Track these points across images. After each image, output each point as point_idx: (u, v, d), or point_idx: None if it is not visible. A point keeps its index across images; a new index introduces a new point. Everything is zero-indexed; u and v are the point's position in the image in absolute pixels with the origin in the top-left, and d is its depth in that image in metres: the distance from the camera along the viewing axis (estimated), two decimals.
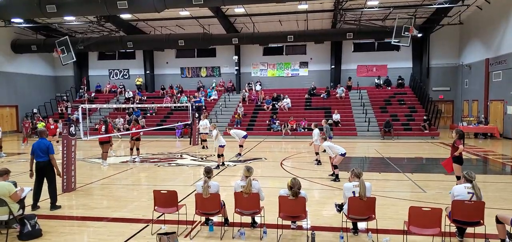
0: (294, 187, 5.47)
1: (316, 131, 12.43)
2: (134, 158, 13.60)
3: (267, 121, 23.67)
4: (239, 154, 14.14)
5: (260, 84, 28.03)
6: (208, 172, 6.06)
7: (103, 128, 12.86)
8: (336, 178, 9.71)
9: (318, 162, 12.26)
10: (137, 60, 29.74)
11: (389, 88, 26.26)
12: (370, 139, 20.70)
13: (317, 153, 12.46)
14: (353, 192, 5.52)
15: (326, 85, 26.28)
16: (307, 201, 5.54)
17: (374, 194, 7.14)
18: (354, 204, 5.43)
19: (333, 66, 26.81)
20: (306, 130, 21.73)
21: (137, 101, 27.50)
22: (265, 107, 25.18)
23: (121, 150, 17.61)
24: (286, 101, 24.95)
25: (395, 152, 16.89)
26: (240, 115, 23.85)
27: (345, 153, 9.47)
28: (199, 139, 18.46)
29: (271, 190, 8.75)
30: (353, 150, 17.55)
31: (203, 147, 16.89)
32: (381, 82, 26.42)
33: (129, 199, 8.32)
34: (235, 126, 22.56)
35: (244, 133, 14.26)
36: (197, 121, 18.59)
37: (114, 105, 13.11)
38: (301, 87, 27.79)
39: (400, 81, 26.19)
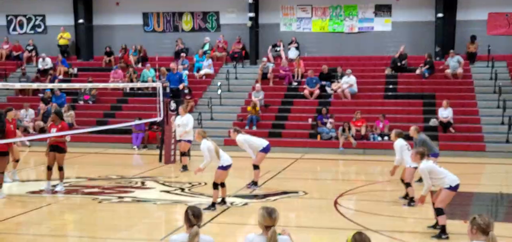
0: None
1: (399, 143, 12.51)
2: (55, 186, 13.94)
3: (310, 120, 23.76)
4: (255, 183, 14.32)
5: (297, 48, 28.15)
6: (195, 217, 6.18)
7: None
8: (440, 232, 9.74)
9: (411, 200, 12.32)
10: None
11: None
12: (510, 157, 20.64)
13: (407, 184, 12.51)
14: None
15: (427, 52, 26.20)
16: None
17: None
18: None
19: (440, 15, 26.75)
20: (386, 138, 21.73)
21: (60, 76, 28.10)
22: (306, 92, 25.31)
23: (29, 170, 17.94)
24: (348, 82, 25.01)
25: None
26: (258, 108, 24.05)
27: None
28: (176, 151, 18.75)
29: None
30: (474, 178, 17.58)
31: (184, 168, 17.17)
32: None
33: None
34: (246, 128, 22.75)
35: (266, 143, 14.45)
36: (172, 117, 18.83)
37: (17, 85, 13.58)
38: (377, 55, 27.77)
39: None
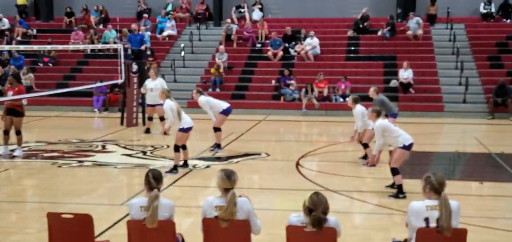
0: (316, 209, 5.59)
1: (359, 109, 12.64)
2: (13, 150, 13.73)
3: (274, 81, 23.83)
4: (218, 146, 14.35)
5: (261, 9, 28.02)
6: (155, 180, 6.16)
7: None
8: (397, 191, 9.96)
9: (367, 161, 12.55)
10: None
11: (508, 21, 26.50)
12: (467, 116, 21.18)
13: (365, 145, 12.71)
14: (427, 219, 5.66)
15: (389, 14, 26.37)
16: (339, 235, 5.71)
17: (468, 221, 7.34)
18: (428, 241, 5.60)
19: None
20: (347, 99, 21.88)
21: (18, 37, 27.47)
22: (269, 54, 25.29)
23: None
24: (311, 44, 25.06)
25: None
26: (221, 69, 23.99)
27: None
28: (142, 115, 18.65)
29: (277, 214, 8.88)
30: (433, 138, 17.97)
31: (148, 130, 17.09)
32: (493, 9, 26.57)
33: (1, 230, 8.48)
34: (210, 90, 22.69)
35: (226, 105, 14.43)
36: (134, 79, 18.63)
37: None
38: (340, 17, 27.84)
39: None
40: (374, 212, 9.39)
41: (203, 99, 14.08)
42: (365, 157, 12.83)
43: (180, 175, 11.66)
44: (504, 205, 9.93)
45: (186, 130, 11.79)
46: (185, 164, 12.18)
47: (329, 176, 11.83)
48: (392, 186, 10.37)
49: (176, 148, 11.82)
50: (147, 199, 5.98)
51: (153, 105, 16.83)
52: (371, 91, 14.21)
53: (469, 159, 14.88)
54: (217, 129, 14.25)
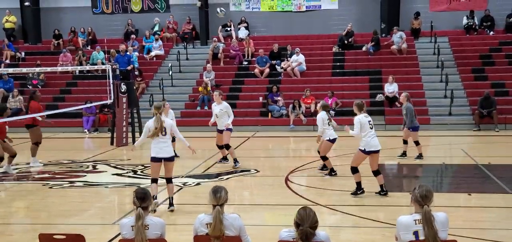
0: (304, 223, 5.56)
1: (321, 115, 12.77)
2: (3, 169, 13.63)
3: (261, 98, 23.82)
4: (225, 159, 14.72)
5: (247, 28, 28.08)
6: (139, 199, 6.12)
7: None
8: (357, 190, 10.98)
9: (332, 171, 13.04)
10: None
11: (491, 33, 26.73)
12: (453, 128, 21.33)
13: (323, 158, 13.02)
14: (416, 233, 5.64)
15: (373, 29, 26.55)
16: None
17: (457, 233, 7.34)
18: None
19: None
20: (334, 113, 21.97)
21: (7, 60, 27.31)
22: (256, 71, 25.32)
23: None
24: (297, 60, 25.13)
25: (500, 153, 17.19)
26: (209, 88, 23.97)
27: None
28: (132, 135, 18.53)
29: (268, 230, 8.85)
30: (421, 151, 18.00)
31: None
32: (476, 23, 26.81)
33: None
34: (198, 109, 22.64)
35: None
36: (123, 100, 18.57)
37: None
38: (325, 33, 28.01)
39: (511, 19, 26.65)
40: (364, 226, 9.36)
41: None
42: (323, 168, 13.39)
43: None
44: (493, 216, 9.95)
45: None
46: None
47: (319, 190, 11.82)
48: (380, 192, 10.81)
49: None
50: (135, 217, 5.96)
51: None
52: (402, 97, 15.43)
53: (457, 170, 14.93)
54: (224, 147, 14.38)
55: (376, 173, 10.82)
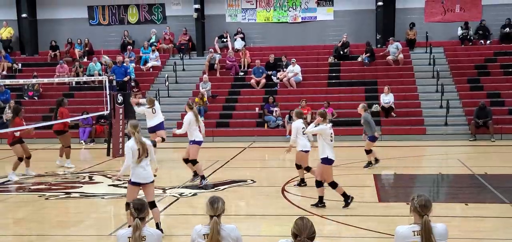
0: (301, 234, 5.52)
1: (296, 124, 12.68)
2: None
3: (257, 109, 23.82)
4: (202, 178, 13.34)
5: (243, 39, 28.11)
6: (137, 210, 6.08)
7: None
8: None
9: (301, 181, 13.02)
10: None
11: (487, 43, 26.81)
12: (449, 138, 21.31)
13: (298, 166, 12.97)
14: None
15: (367, 40, 26.62)
16: None
17: None
18: None
19: (380, 4, 27.18)
20: (331, 122, 21.98)
21: (4, 72, 27.25)
22: (252, 81, 25.32)
23: None
24: (293, 71, 25.15)
25: (496, 163, 17.25)
26: (205, 98, 23.95)
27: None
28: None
29: (265, 240, 8.87)
30: (416, 161, 18.00)
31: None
32: (471, 33, 26.88)
33: None
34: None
35: (200, 137, 13.29)
36: (119, 110, 18.50)
37: None
38: (320, 44, 28.03)
39: (507, 29, 26.67)
40: (362, 236, 9.33)
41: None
42: (300, 183, 13.15)
43: (167, 203, 11.56)
44: (490, 225, 9.92)
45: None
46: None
47: (315, 201, 11.78)
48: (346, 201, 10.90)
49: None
50: (132, 228, 5.92)
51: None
52: (360, 108, 14.94)
53: (453, 180, 14.90)
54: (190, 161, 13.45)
55: (319, 184, 10.85)
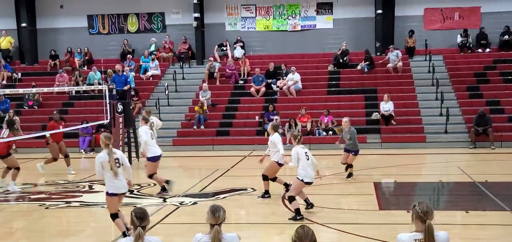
0: None
1: (277, 137, 12.86)
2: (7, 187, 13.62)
3: (257, 117, 23.82)
4: (163, 189, 13.30)
5: (242, 47, 28.15)
6: (139, 219, 6.05)
7: None
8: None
9: (287, 188, 12.60)
10: (1, 1, 29.61)
11: (486, 51, 26.85)
12: (449, 146, 21.30)
13: (273, 179, 12.97)
14: None
15: (366, 48, 26.68)
16: None
17: None
18: None
19: (379, 12, 27.22)
20: (331, 132, 21.99)
21: (4, 81, 27.26)
22: (252, 90, 25.34)
23: None
24: (293, 79, 25.17)
25: (496, 170, 17.23)
26: (205, 107, 23.95)
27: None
28: (129, 154, 18.44)
29: None
30: (416, 169, 17.91)
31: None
32: (470, 41, 26.90)
33: None
34: (194, 128, 22.57)
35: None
36: (119, 119, 18.50)
37: None
38: (320, 52, 28.07)
39: (506, 37, 26.72)
40: None
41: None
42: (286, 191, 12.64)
43: (167, 212, 11.53)
44: (491, 233, 9.89)
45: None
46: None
47: (315, 208, 11.75)
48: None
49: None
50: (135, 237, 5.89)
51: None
52: (345, 122, 14.71)
53: (453, 188, 14.88)
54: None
55: (292, 199, 10.70)
